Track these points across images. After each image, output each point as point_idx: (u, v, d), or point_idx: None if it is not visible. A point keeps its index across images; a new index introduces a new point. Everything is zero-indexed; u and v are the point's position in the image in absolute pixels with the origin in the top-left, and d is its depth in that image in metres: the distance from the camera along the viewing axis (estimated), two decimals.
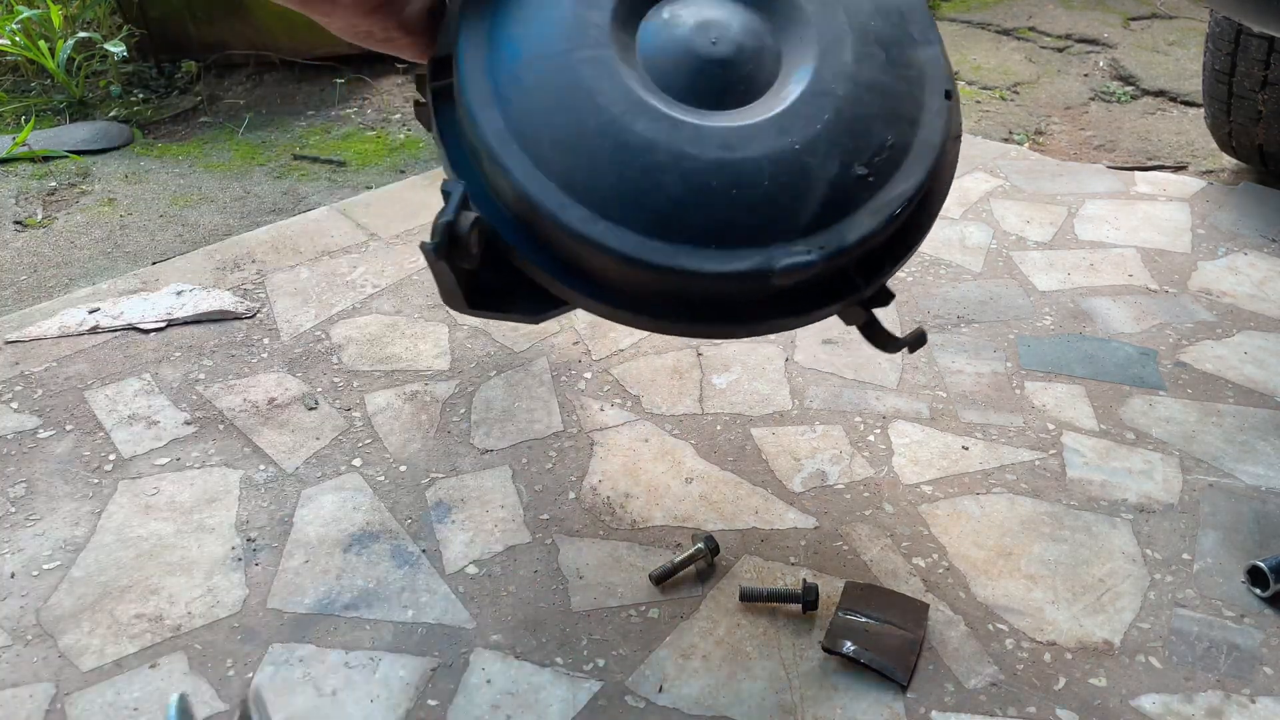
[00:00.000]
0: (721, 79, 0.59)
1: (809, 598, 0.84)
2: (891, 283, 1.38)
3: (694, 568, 0.89)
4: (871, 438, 1.07)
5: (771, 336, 1.24)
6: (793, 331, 1.24)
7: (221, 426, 1.10)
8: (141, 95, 2.25)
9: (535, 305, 0.61)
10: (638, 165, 0.56)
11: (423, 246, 0.55)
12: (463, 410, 1.12)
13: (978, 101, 2.24)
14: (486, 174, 0.59)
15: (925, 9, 0.64)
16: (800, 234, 0.58)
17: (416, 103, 0.66)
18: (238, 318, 1.31)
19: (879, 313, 0.80)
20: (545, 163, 0.56)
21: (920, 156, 0.60)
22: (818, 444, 1.06)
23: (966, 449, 1.06)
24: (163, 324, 1.29)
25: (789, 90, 0.59)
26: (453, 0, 0.63)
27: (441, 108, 0.61)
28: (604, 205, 0.55)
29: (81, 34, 2.20)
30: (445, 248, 0.55)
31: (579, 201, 0.55)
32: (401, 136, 2.07)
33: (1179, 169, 1.86)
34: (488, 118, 0.57)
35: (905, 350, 0.66)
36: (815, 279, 0.59)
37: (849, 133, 0.59)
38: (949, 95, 0.62)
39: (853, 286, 0.61)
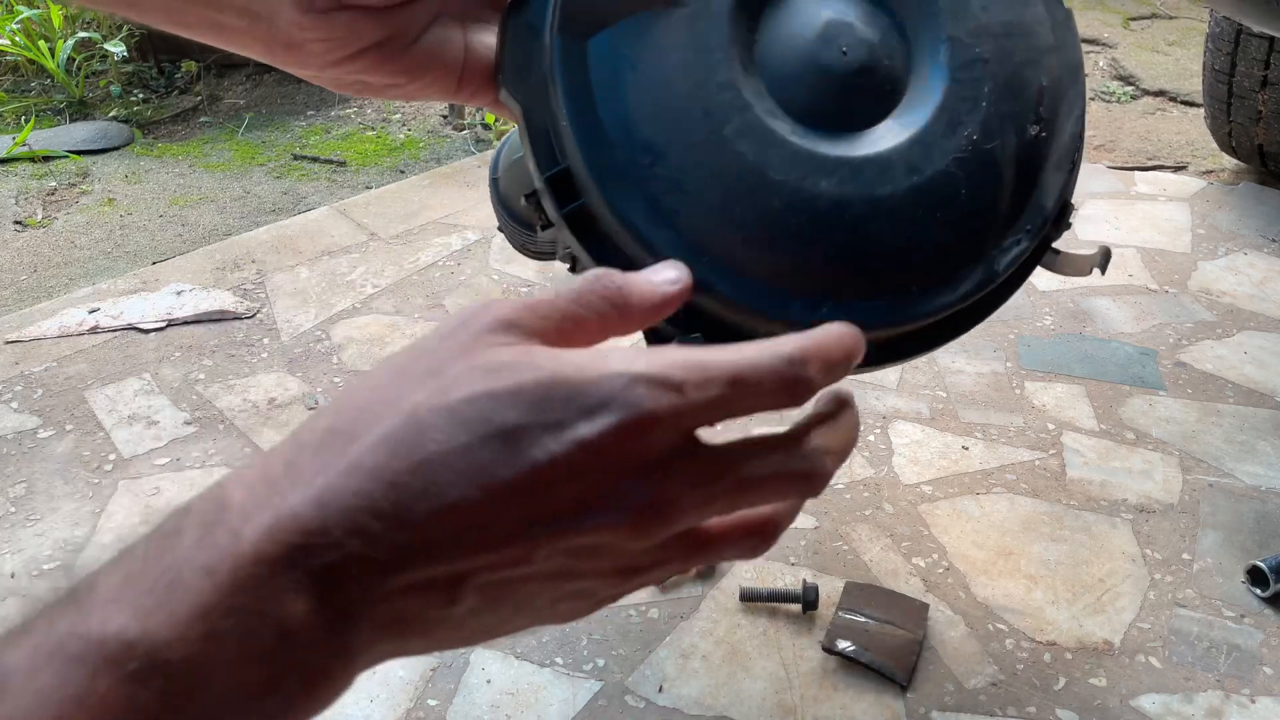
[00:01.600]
0: (865, 89, 0.52)
1: (809, 598, 0.84)
2: None
3: (694, 568, 0.89)
4: (871, 438, 1.07)
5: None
6: None
7: (221, 426, 1.10)
8: (141, 95, 2.25)
9: None
10: (842, 229, 0.49)
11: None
12: None
13: None
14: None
15: None
16: (1005, 226, 0.52)
17: (521, 224, 0.55)
18: (238, 318, 1.31)
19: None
20: (748, 266, 0.49)
21: (1071, 81, 0.55)
22: None
23: (966, 449, 1.06)
24: (163, 324, 1.29)
25: (935, 72, 0.53)
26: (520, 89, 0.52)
27: (586, 235, 0.51)
28: (828, 288, 0.49)
29: (81, 34, 2.20)
30: None
31: (806, 293, 0.48)
32: (401, 136, 2.07)
33: (1179, 169, 1.86)
34: (664, 239, 0.48)
35: (1098, 270, 0.57)
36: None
37: (1011, 95, 0.53)
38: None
39: (1049, 237, 0.56)
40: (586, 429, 0.30)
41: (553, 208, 0.51)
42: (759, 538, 0.35)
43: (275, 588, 0.27)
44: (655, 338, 0.51)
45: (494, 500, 0.29)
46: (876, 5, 0.54)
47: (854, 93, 0.51)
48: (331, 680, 0.29)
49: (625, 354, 0.31)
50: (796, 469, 0.34)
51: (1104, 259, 0.56)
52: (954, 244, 0.51)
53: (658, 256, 0.48)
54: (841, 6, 0.53)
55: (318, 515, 0.28)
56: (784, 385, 0.33)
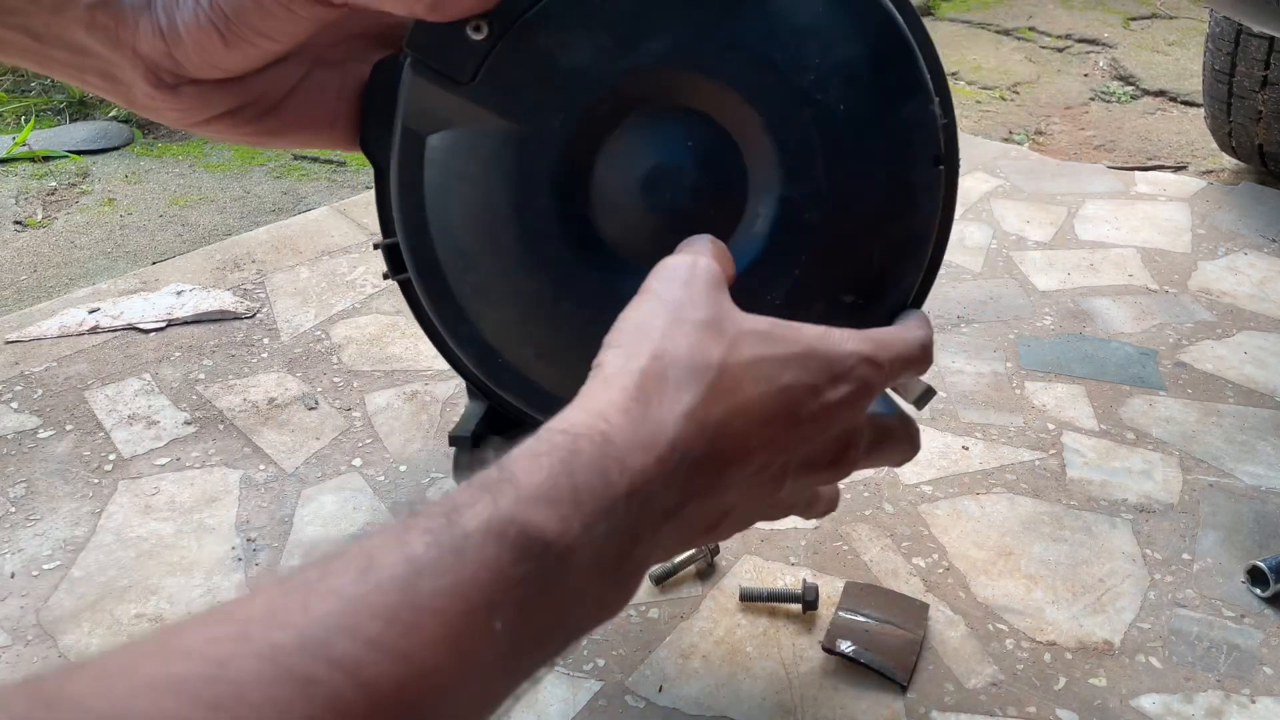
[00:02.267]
0: (684, 235, 0.51)
1: (809, 598, 0.84)
2: None
3: (694, 568, 0.89)
4: None
5: None
6: None
7: (221, 426, 1.10)
8: None
9: None
10: None
11: None
12: (463, 410, 1.12)
13: (978, 102, 2.25)
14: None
15: (906, 47, 0.51)
16: None
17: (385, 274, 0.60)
18: (238, 318, 1.31)
19: None
20: (535, 375, 0.55)
21: (912, 251, 0.53)
22: None
23: (966, 449, 1.06)
24: (163, 324, 1.29)
25: (760, 228, 0.51)
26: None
27: (413, 301, 0.57)
28: None
29: None
30: None
31: None
32: None
33: (1179, 169, 1.86)
34: (466, 332, 0.55)
35: (914, 407, 0.57)
36: None
37: (832, 264, 0.51)
38: (939, 161, 0.52)
39: None
40: (834, 394, 0.43)
41: (388, 269, 0.56)
42: (828, 506, 0.56)
43: (647, 511, 0.38)
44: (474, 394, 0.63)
45: (773, 441, 0.41)
46: (730, 147, 0.51)
47: (672, 237, 0.50)
48: (641, 573, 0.42)
49: (843, 333, 0.44)
50: (911, 437, 0.52)
51: (925, 395, 0.55)
52: None
53: (461, 343, 0.55)
54: (684, 147, 0.51)
55: (670, 456, 0.38)
56: (921, 363, 0.49)
